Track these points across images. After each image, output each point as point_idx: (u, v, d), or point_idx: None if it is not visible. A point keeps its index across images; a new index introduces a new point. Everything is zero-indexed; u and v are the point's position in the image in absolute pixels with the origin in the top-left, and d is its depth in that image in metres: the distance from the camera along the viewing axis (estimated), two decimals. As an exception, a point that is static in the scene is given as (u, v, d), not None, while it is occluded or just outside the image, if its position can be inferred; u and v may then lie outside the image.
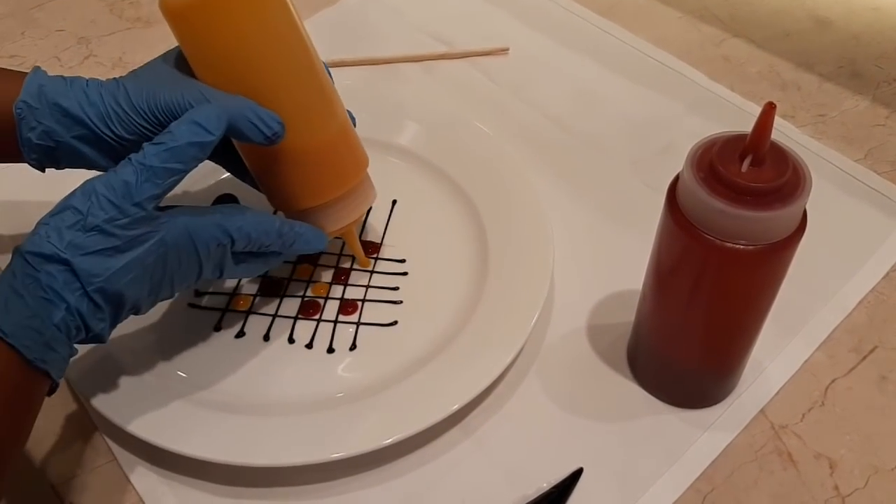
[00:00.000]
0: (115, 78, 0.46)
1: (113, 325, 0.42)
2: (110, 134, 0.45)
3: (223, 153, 0.51)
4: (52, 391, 0.41)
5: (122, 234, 0.39)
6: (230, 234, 0.44)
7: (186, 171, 0.41)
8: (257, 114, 0.43)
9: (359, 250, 0.55)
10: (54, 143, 0.45)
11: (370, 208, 0.59)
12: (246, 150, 0.49)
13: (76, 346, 0.41)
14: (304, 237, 0.48)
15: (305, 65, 0.47)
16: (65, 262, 0.38)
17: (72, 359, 0.41)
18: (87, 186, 0.39)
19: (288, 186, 0.49)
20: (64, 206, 0.39)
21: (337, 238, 0.54)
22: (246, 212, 0.45)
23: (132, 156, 0.40)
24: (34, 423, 0.40)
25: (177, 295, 0.45)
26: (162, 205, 0.42)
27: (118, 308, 0.41)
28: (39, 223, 0.39)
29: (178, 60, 0.46)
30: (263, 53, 0.44)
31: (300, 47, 0.46)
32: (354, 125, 0.52)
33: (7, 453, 0.38)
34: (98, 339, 0.41)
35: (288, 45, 0.45)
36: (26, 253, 0.38)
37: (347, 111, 0.51)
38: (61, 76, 0.46)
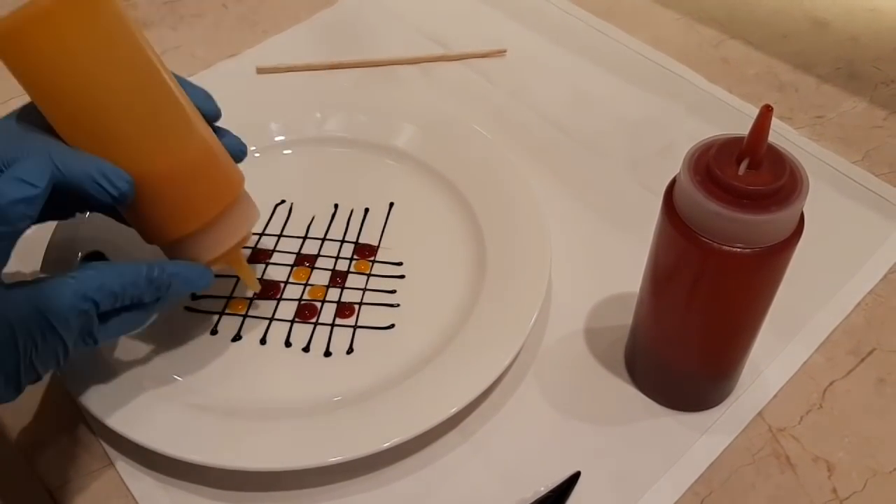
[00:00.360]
0: None
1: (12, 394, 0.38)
2: None
3: (102, 207, 0.45)
4: None
5: None
6: (91, 298, 0.39)
7: (16, 233, 0.37)
8: (103, 173, 0.40)
9: (249, 275, 0.51)
10: None
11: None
12: None
13: None
14: (180, 276, 0.43)
15: (152, 83, 0.43)
16: None
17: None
18: None
19: (152, 216, 0.44)
20: None
21: (230, 266, 0.50)
22: (104, 267, 0.41)
23: None
24: None
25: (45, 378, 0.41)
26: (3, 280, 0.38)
27: None
28: None
29: (34, 113, 0.42)
30: (101, 75, 0.41)
31: (142, 62, 0.42)
32: (244, 152, 0.48)
33: None
34: (3, 400, 0.38)
35: (127, 61, 0.42)
36: None
37: (227, 131, 0.48)
38: None
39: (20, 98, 0.41)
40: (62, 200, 0.42)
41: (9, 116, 0.42)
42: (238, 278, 0.56)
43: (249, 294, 0.55)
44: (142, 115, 0.42)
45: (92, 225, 0.54)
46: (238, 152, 0.48)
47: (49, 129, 0.41)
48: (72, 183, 0.39)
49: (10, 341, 0.37)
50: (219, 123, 0.49)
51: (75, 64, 0.40)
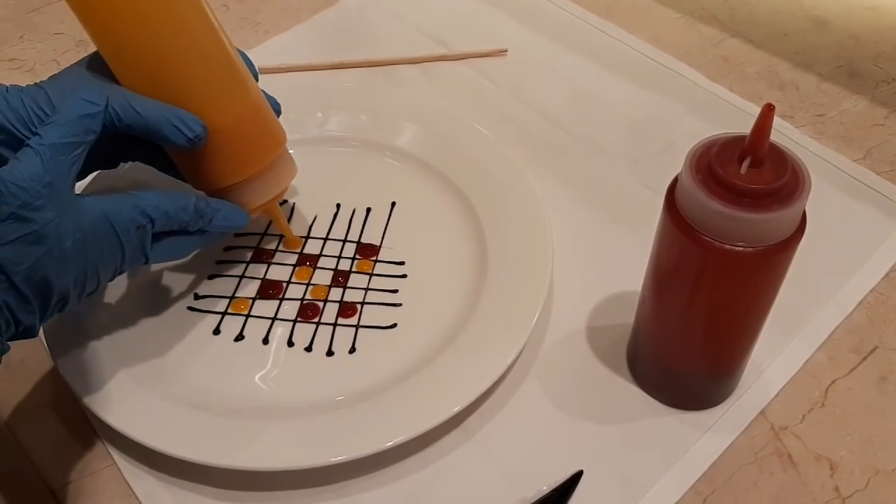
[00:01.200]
0: (36, 83, 0.45)
1: (42, 319, 0.41)
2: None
3: (146, 151, 0.51)
4: None
5: (39, 218, 0.38)
6: (148, 214, 0.43)
7: (85, 144, 0.41)
8: (180, 117, 0.44)
9: (285, 227, 0.56)
10: None
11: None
12: None
13: (8, 343, 0.40)
14: (222, 212, 0.48)
15: (213, 41, 0.46)
16: None
17: (5, 356, 0.40)
18: None
19: (204, 165, 0.48)
20: None
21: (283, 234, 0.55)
22: (160, 191, 0.45)
23: (29, 141, 0.40)
24: None
25: (100, 287, 0.44)
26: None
27: (46, 299, 0.40)
28: None
29: (100, 64, 0.46)
30: (167, 31, 0.44)
31: (204, 20, 0.46)
32: (279, 110, 0.52)
33: None
34: (28, 333, 0.40)
35: (192, 18, 0.45)
36: None
37: (264, 91, 0.51)
38: None
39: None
40: (124, 144, 0.48)
41: (79, 64, 0.47)
42: (240, 278, 0.56)
43: (252, 294, 0.55)
44: (206, 68, 0.46)
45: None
46: (276, 110, 0.52)
47: (114, 82, 0.45)
48: (150, 125, 0.43)
49: (82, 244, 0.40)
50: None
51: (146, 18, 0.43)
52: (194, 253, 0.52)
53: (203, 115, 0.45)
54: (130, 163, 0.53)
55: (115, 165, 0.51)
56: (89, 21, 0.44)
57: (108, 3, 0.43)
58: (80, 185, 0.47)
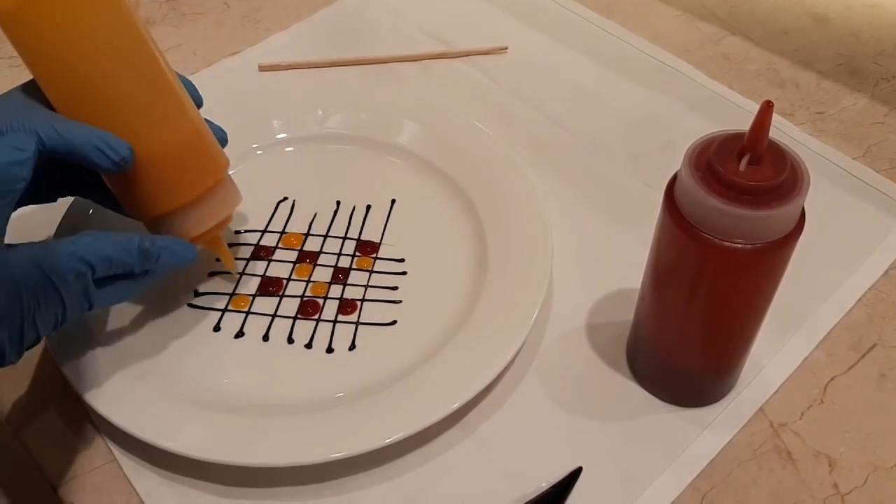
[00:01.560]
0: None
1: None
2: None
3: (84, 183, 0.49)
4: None
5: None
6: (87, 261, 0.41)
7: (14, 193, 0.39)
8: (105, 140, 0.42)
9: (227, 255, 0.53)
10: None
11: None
12: None
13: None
14: (169, 249, 0.46)
15: (150, 64, 0.45)
16: None
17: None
18: None
19: (139, 191, 0.46)
20: None
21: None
22: (100, 234, 0.42)
23: None
24: None
25: (42, 340, 0.41)
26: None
27: None
28: None
29: (27, 92, 0.44)
30: (96, 55, 0.43)
31: (139, 45, 0.44)
32: (225, 139, 0.50)
33: None
34: None
35: (126, 42, 0.44)
36: None
37: (208, 120, 0.49)
38: None
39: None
40: (55, 175, 0.45)
41: (15, 89, 0.45)
42: (240, 275, 0.56)
43: (252, 291, 0.55)
44: (140, 93, 0.44)
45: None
46: (221, 139, 0.50)
47: (50, 106, 0.44)
48: (74, 149, 0.41)
49: (15, 297, 0.38)
50: (220, 120, 0.51)
51: (76, 44, 0.42)
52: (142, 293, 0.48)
53: (134, 139, 0.44)
54: (70, 198, 0.51)
55: (52, 199, 0.49)
56: (19, 44, 0.43)
57: (36, 26, 0.41)
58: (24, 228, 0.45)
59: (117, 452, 0.48)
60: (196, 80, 0.49)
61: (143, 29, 0.45)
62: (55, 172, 0.46)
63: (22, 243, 0.40)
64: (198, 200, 0.48)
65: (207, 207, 0.48)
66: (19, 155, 0.39)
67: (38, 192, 0.46)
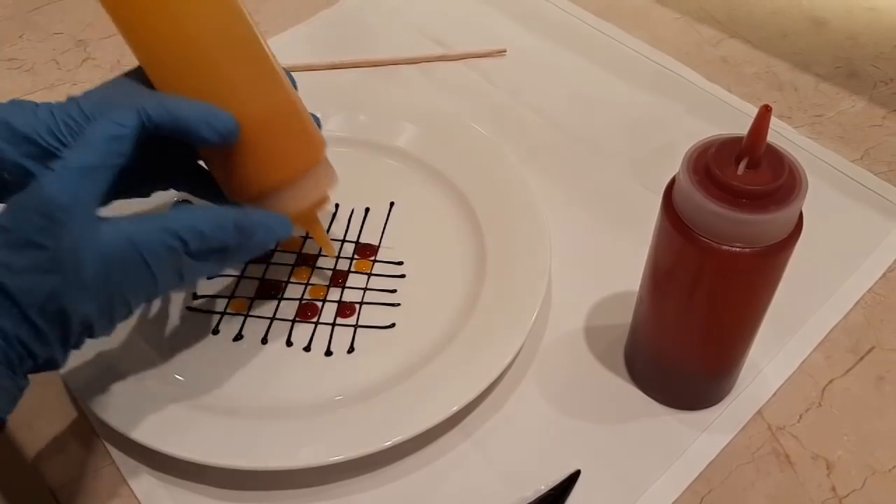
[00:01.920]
0: (70, 97, 0.44)
1: (66, 349, 0.39)
2: (60, 148, 0.42)
3: (180, 170, 0.49)
4: (1, 427, 0.37)
5: (55, 246, 0.36)
6: (180, 237, 0.40)
7: (112, 168, 0.39)
8: (211, 113, 0.43)
9: (324, 238, 0.54)
10: (1, 160, 0.42)
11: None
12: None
13: (29, 376, 0.38)
14: (264, 225, 0.45)
15: (248, 37, 0.46)
16: None
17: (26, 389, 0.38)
18: (9, 203, 0.37)
19: (239, 168, 0.46)
20: None
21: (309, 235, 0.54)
22: (195, 209, 0.42)
23: (51, 164, 0.38)
24: None
25: (135, 313, 0.42)
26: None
27: (65, 330, 0.37)
28: None
29: (139, 75, 0.45)
30: (202, 25, 0.44)
31: (238, 16, 0.45)
32: (319, 123, 0.51)
33: None
34: (50, 365, 0.38)
35: (227, 20, 0.45)
36: None
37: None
38: (13, 100, 0.44)
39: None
40: (154, 160, 0.46)
41: (121, 75, 0.46)
42: (238, 277, 0.56)
43: (251, 294, 0.55)
44: (240, 69, 0.45)
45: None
46: (316, 121, 0.50)
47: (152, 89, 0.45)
48: (180, 121, 0.42)
49: (103, 271, 0.37)
50: None
51: (180, 21, 0.43)
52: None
53: (237, 113, 0.44)
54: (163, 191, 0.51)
55: (147, 193, 0.49)
56: (121, 22, 0.44)
57: (139, 5, 0.43)
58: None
59: (116, 455, 0.48)
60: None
61: (241, 4, 0.45)
62: (154, 156, 0.46)
63: (115, 217, 0.39)
64: (295, 178, 0.48)
65: (305, 186, 0.48)
66: (120, 130, 0.39)
67: (136, 179, 0.47)
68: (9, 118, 0.42)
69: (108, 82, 0.46)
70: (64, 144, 0.42)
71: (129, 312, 0.41)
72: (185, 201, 0.53)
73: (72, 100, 0.43)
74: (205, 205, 0.50)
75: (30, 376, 0.38)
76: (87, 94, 0.44)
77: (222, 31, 0.45)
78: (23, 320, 0.36)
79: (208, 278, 0.55)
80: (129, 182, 0.45)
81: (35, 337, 0.37)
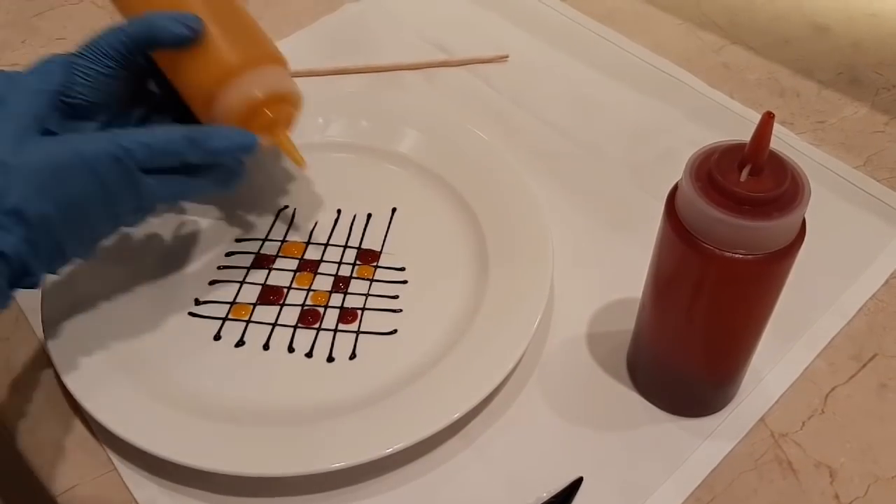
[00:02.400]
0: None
1: (37, 256, 0.41)
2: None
3: (161, 95, 0.52)
4: None
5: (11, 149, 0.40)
6: (124, 146, 0.42)
7: (46, 93, 0.44)
8: (174, 14, 0.46)
9: (291, 149, 0.53)
10: None
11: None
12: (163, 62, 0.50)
13: (10, 293, 0.41)
14: (219, 132, 0.47)
15: None
16: None
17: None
18: None
19: (194, 69, 0.49)
20: None
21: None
22: (144, 127, 0.46)
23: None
24: None
25: (111, 237, 0.46)
26: None
27: (27, 229, 0.40)
28: None
29: None
30: None
31: None
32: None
33: None
34: (29, 277, 0.41)
35: None
36: None
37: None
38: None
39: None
40: (136, 83, 0.49)
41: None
42: (240, 283, 0.56)
43: (253, 300, 0.55)
44: None
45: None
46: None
47: None
48: (153, 25, 0.46)
49: (53, 176, 0.40)
50: None
51: None
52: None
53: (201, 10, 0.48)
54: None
55: (130, 119, 0.51)
56: None
57: None
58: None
59: (117, 462, 0.48)
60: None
61: None
62: (139, 86, 0.50)
63: (68, 135, 0.43)
64: (245, 73, 0.49)
65: (255, 79, 0.50)
66: (48, 65, 0.45)
67: (125, 106, 0.49)
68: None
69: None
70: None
71: (98, 232, 0.44)
72: None
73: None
74: None
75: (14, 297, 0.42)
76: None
77: None
78: None
79: (225, 255, 0.57)
80: (119, 108, 0.48)
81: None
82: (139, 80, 0.50)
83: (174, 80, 0.51)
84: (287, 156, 0.53)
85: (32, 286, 0.42)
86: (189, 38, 0.47)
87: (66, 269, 0.52)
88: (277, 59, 0.52)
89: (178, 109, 0.51)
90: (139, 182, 0.43)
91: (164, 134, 0.44)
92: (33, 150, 0.41)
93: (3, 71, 0.45)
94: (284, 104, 0.52)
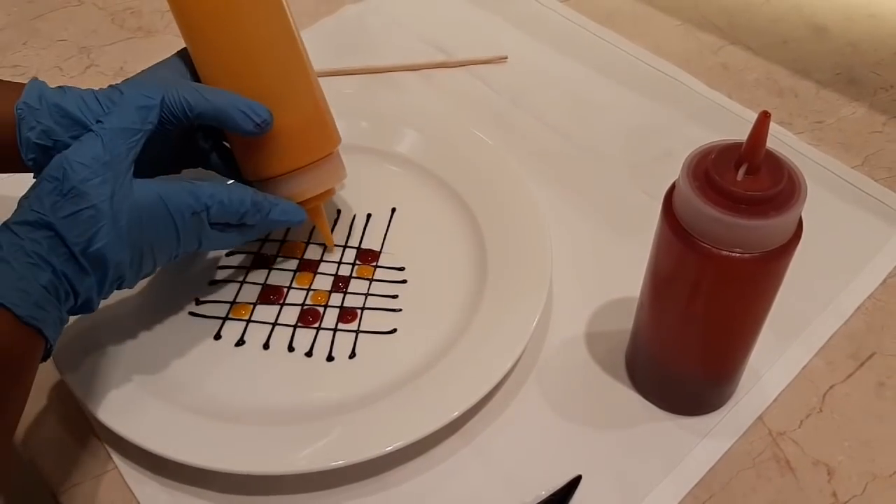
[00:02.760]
0: (111, 85, 0.48)
1: (101, 293, 0.44)
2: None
3: (211, 150, 0.54)
4: (47, 355, 0.42)
5: (96, 194, 0.41)
6: (203, 202, 0.46)
7: (143, 132, 0.44)
8: (248, 105, 0.47)
9: (325, 227, 0.57)
10: (52, 142, 0.46)
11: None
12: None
13: (68, 314, 0.43)
14: (280, 206, 0.50)
15: (289, 38, 0.51)
16: (48, 226, 0.40)
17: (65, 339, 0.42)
18: (56, 160, 0.42)
19: (266, 154, 0.51)
20: (40, 179, 0.42)
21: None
22: (219, 183, 0.48)
23: (91, 126, 0.44)
24: (31, 387, 0.42)
25: (157, 270, 0.47)
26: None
27: (103, 273, 0.43)
28: (21, 199, 0.42)
29: (176, 64, 0.51)
30: (254, 34, 0.49)
31: (282, 17, 0.50)
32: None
33: (4, 409, 0.40)
34: (87, 307, 0.43)
35: (274, 27, 0.50)
36: (12, 224, 0.41)
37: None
38: (63, 86, 0.48)
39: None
40: (191, 147, 0.52)
41: (175, 55, 0.51)
42: (241, 283, 0.56)
43: (253, 300, 0.55)
44: (279, 69, 0.50)
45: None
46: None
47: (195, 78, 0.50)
48: (220, 111, 0.47)
49: (138, 224, 0.43)
50: None
51: (234, 22, 0.48)
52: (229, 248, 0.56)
53: (273, 104, 0.48)
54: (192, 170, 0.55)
55: (178, 170, 0.53)
56: (181, 15, 0.49)
57: (207, 7, 0.48)
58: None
59: (118, 460, 0.49)
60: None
61: (289, 16, 0.51)
62: (190, 143, 0.53)
63: (148, 179, 0.45)
64: (310, 167, 0.52)
65: (317, 175, 0.53)
66: (148, 101, 0.45)
67: (168, 161, 0.51)
68: (58, 101, 0.46)
69: (150, 68, 0.50)
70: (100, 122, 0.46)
71: (153, 267, 0.46)
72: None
73: (114, 88, 0.47)
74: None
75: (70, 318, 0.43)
76: (131, 80, 0.48)
77: (270, 42, 0.50)
78: (69, 259, 0.41)
79: (226, 255, 0.58)
80: (163, 160, 0.50)
81: (80, 276, 0.42)
82: (192, 136, 0.53)
83: (233, 149, 0.52)
84: (321, 231, 0.57)
85: (90, 312, 0.44)
86: (256, 135, 0.48)
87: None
88: (335, 144, 0.54)
89: (226, 167, 0.54)
90: (206, 233, 0.47)
91: (237, 195, 0.48)
92: (124, 197, 0.43)
93: (112, 88, 0.47)
94: (332, 191, 0.56)
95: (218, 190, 0.47)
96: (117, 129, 0.43)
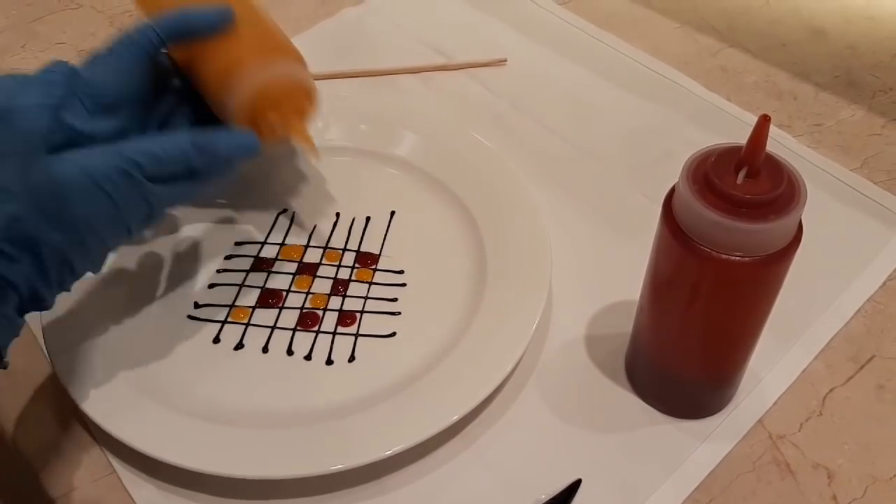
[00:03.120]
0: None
1: (47, 282, 0.40)
2: None
3: (187, 106, 0.52)
4: (3, 365, 0.40)
5: (4, 175, 0.38)
6: (132, 159, 0.41)
7: (46, 108, 0.41)
8: (207, 6, 0.47)
9: (308, 140, 0.54)
10: None
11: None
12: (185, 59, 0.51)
13: (21, 317, 0.40)
14: (225, 136, 0.46)
15: None
16: None
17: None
18: None
19: (211, 59, 0.50)
20: None
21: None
22: (149, 135, 0.45)
23: None
24: None
25: (112, 245, 0.43)
26: None
27: (34, 256, 0.39)
28: None
29: None
30: None
31: None
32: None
33: None
34: (39, 301, 0.40)
35: None
36: None
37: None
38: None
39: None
40: (162, 85, 0.50)
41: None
42: (239, 286, 0.56)
43: (252, 303, 0.55)
44: None
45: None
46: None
47: None
48: (188, 15, 0.47)
49: (61, 200, 0.39)
50: None
51: None
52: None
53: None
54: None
55: (155, 127, 0.50)
56: None
57: None
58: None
59: (116, 464, 0.48)
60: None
61: None
62: (158, 88, 0.50)
63: (71, 151, 0.41)
64: (259, 57, 0.50)
65: (270, 65, 0.50)
66: (50, 76, 0.43)
67: (146, 111, 0.48)
68: None
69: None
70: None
71: (105, 243, 0.42)
72: None
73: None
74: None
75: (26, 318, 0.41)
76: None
77: None
78: None
79: (225, 258, 0.57)
80: (141, 114, 0.48)
81: (9, 265, 0.38)
82: (163, 76, 0.50)
83: (195, 76, 0.51)
84: (303, 147, 0.54)
85: (44, 309, 0.41)
86: (223, 26, 0.48)
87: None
88: (292, 53, 0.53)
89: (199, 107, 0.52)
90: (148, 192, 0.42)
91: (171, 142, 0.43)
92: (39, 173, 0.39)
93: (9, 76, 0.44)
94: (298, 96, 0.53)
95: (147, 141, 0.43)
96: (17, 108, 0.40)
